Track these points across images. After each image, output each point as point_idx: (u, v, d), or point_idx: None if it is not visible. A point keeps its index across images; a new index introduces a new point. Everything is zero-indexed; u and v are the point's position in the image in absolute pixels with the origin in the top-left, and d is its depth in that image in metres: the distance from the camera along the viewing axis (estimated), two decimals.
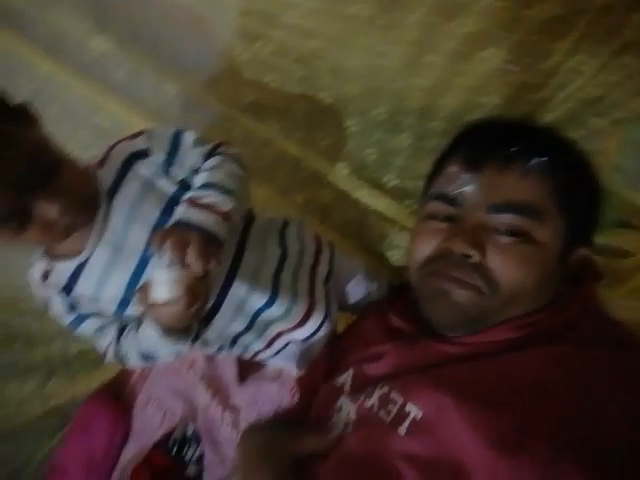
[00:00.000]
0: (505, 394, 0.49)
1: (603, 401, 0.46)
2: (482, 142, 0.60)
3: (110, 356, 0.72)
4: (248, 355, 0.83)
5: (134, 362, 0.71)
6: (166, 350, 0.65)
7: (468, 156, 0.59)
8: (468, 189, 0.58)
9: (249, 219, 0.78)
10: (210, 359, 1.32)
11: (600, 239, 0.77)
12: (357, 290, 0.94)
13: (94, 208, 0.64)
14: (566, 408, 0.46)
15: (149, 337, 0.63)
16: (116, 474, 1.40)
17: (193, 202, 0.62)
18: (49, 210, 0.56)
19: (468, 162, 0.59)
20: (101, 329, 0.71)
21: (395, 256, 1.07)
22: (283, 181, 1.06)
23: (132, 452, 1.39)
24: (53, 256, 0.67)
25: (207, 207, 0.61)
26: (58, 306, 0.69)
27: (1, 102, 0.56)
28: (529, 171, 0.55)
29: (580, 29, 0.62)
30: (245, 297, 0.72)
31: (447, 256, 0.57)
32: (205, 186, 0.65)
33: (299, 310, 0.76)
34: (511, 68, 0.67)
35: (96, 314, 0.71)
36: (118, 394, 1.55)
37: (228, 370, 1.25)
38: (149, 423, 1.39)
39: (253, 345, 0.79)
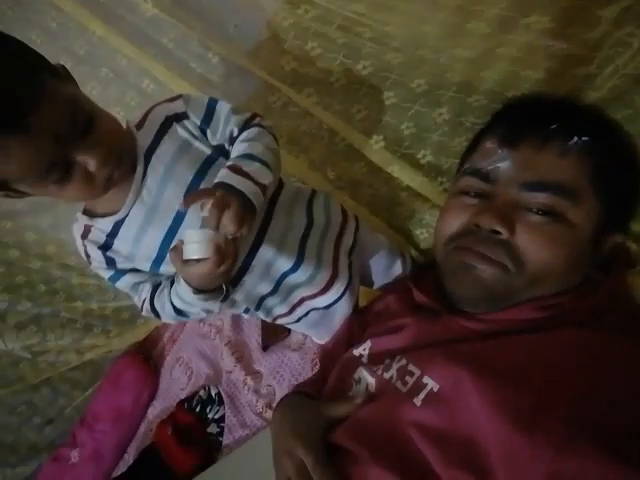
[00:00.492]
0: (524, 373, 0.49)
1: (626, 390, 0.45)
2: (521, 118, 0.58)
3: (145, 311, 0.75)
4: (270, 318, 0.85)
5: (166, 318, 0.74)
6: (197, 308, 0.68)
7: (506, 132, 0.58)
8: (502, 165, 0.56)
9: (278, 186, 0.79)
10: (236, 326, 1.37)
11: (638, 226, 0.74)
12: (380, 266, 0.94)
13: (132, 165, 0.66)
14: (585, 391, 0.45)
15: (181, 295, 0.66)
16: (142, 427, 1.48)
17: (235, 169, 0.63)
18: (88, 162, 0.58)
19: (505, 138, 0.57)
20: (137, 285, 0.75)
21: (424, 234, 1.06)
22: (318, 153, 1.06)
23: (158, 409, 1.47)
24: (93, 214, 0.70)
25: (248, 176, 0.62)
26: (98, 262, 0.72)
27: (41, 58, 0.58)
28: (567, 151, 0.53)
29: None
30: (272, 260, 0.73)
31: (475, 232, 0.57)
32: (246, 156, 0.66)
33: (322, 277, 0.77)
34: (555, 44, 0.64)
35: (133, 271, 0.74)
36: (148, 355, 1.63)
37: (253, 337, 1.29)
38: (175, 383, 1.46)
39: (276, 309, 0.82)
